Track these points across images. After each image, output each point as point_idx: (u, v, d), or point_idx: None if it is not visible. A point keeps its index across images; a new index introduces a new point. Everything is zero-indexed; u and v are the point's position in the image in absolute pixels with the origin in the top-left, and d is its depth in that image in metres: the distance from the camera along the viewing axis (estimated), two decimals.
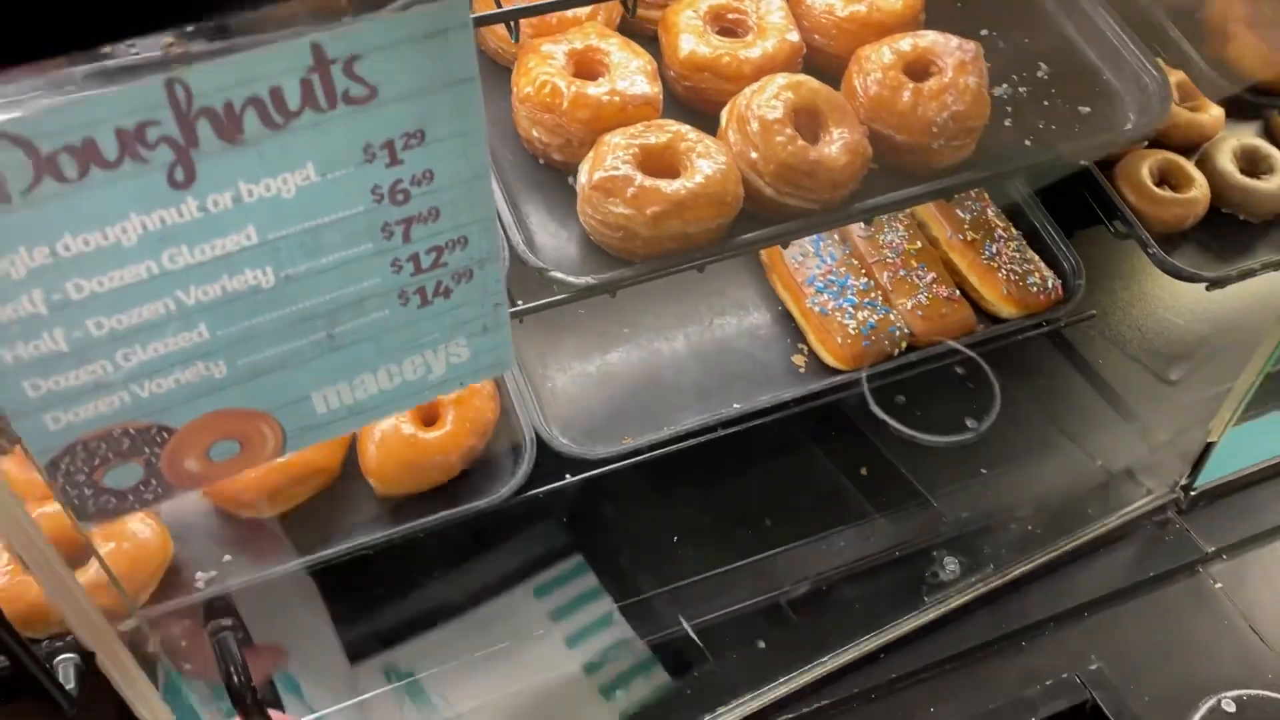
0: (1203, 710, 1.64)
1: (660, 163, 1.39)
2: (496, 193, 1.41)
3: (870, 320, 1.75)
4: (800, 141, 1.40)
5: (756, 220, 1.43)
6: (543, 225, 1.43)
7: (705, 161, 1.37)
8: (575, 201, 1.41)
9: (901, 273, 1.82)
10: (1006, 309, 1.82)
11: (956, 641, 1.70)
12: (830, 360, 1.76)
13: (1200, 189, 1.95)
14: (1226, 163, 1.99)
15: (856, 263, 1.83)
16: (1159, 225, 1.92)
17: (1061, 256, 1.89)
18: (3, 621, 0.88)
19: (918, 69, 1.49)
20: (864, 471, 1.88)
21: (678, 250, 1.38)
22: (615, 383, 1.77)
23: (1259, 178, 1.96)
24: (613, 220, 1.35)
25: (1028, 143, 1.57)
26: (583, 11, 1.51)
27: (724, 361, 1.81)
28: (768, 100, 1.42)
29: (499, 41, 1.54)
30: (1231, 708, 1.70)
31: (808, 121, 1.44)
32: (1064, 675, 1.67)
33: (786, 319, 1.85)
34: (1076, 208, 2.00)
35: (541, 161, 1.48)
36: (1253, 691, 1.73)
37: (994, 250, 1.84)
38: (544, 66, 1.43)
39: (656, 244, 1.36)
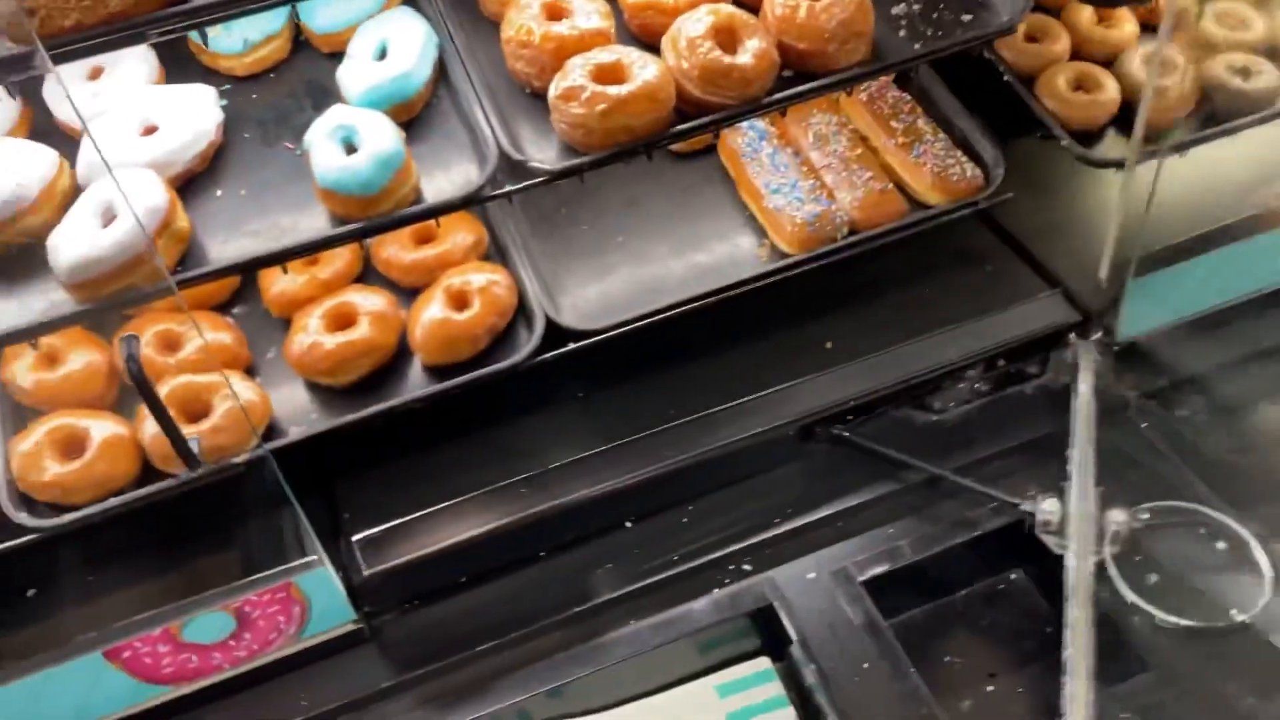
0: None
1: (610, 76, 1.82)
2: (490, 115, 1.85)
3: (815, 210, 2.13)
4: (718, 51, 1.82)
5: (691, 119, 1.85)
6: (530, 139, 1.87)
7: (643, 71, 1.80)
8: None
9: (844, 174, 2.20)
10: (933, 197, 2.19)
11: None
12: (785, 248, 2.16)
13: (1110, 91, 2.29)
14: (1134, 67, 2.32)
15: (806, 169, 2.22)
16: (1077, 125, 2.26)
17: (985, 151, 2.24)
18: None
19: None
20: (829, 345, 2.25)
21: (627, 141, 1.80)
22: (611, 278, 2.19)
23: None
24: (574, 120, 1.78)
25: (916, 46, 1.95)
26: None
27: (701, 257, 2.21)
28: (693, 23, 1.84)
29: (496, 6, 2.00)
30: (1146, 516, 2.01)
31: (726, 39, 1.85)
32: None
33: (751, 222, 2.25)
34: (1006, 118, 2.35)
35: (527, 91, 1.93)
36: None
37: (921, 150, 2.21)
38: (522, 15, 1.88)
39: (609, 135, 1.79)
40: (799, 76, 1.89)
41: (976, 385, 2.24)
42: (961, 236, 2.33)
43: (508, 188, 1.80)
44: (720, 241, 2.22)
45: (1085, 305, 2.24)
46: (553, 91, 1.80)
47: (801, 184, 2.17)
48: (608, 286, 2.18)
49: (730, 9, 1.87)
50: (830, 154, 2.22)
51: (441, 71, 1.80)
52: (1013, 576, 2.11)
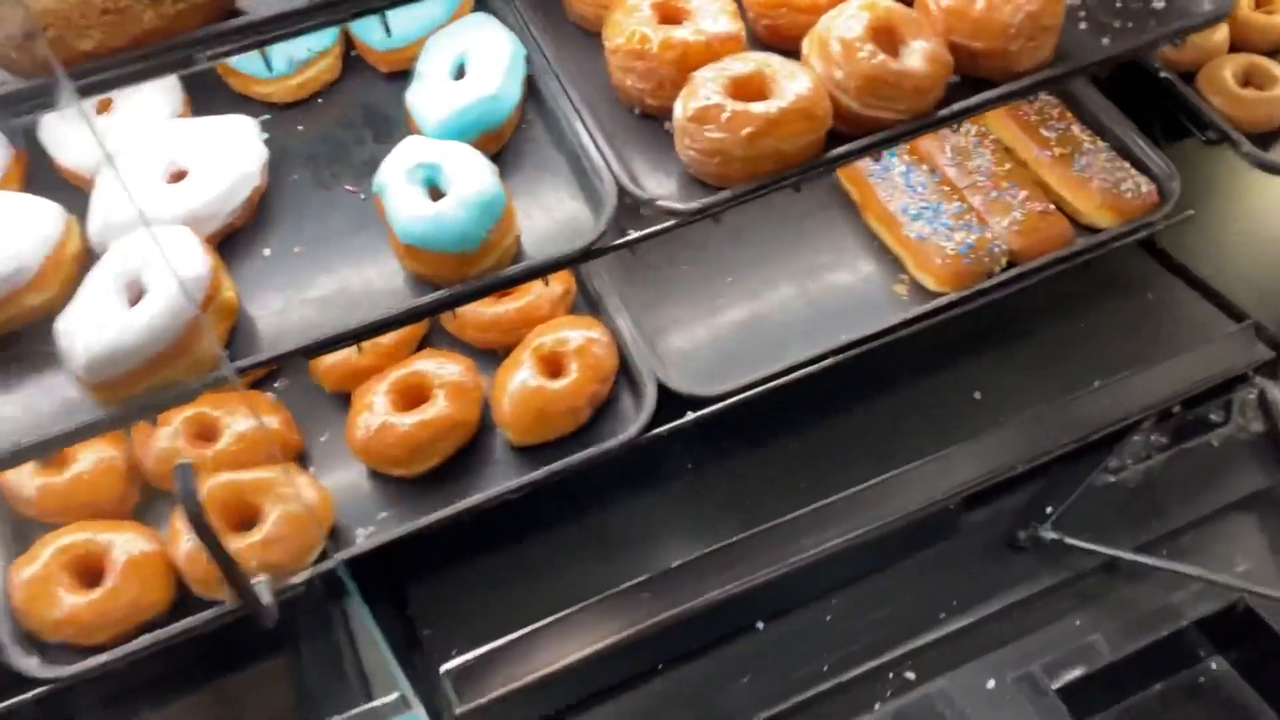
0: None
1: (749, 90, 1.47)
2: (603, 143, 1.50)
3: (968, 240, 1.79)
4: (881, 55, 1.47)
5: (846, 139, 1.50)
6: (645, 170, 1.51)
7: (792, 83, 1.45)
8: (672, 146, 1.50)
9: (994, 194, 1.86)
10: (1103, 217, 1.85)
11: None
12: (931, 284, 1.81)
13: None
14: None
15: (948, 189, 1.88)
16: (1249, 126, 1.93)
17: (1152, 163, 1.91)
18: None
19: None
20: (978, 395, 1.91)
21: (773, 170, 1.45)
22: (724, 327, 1.84)
23: None
24: (710, 146, 1.43)
25: (1105, 41, 1.61)
26: None
27: (827, 299, 1.87)
28: (845, 22, 1.49)
29: (585, 7, 1.64)
30: None
31: (886, 40, 1.50)
32: None
33: (883, 254, 1.90)
34: (1164, 122, 2.02)
35: (637, 112, 1.57)
36: None
37: (1084, 163, 1.87)
38: (631, 18, 1.53)
39: (753, 164, 1.44)
40: (965, 83, 1.54)
41: (1153, 437, 1.90)
42: (1115, 259, 1.98)
43: (632, 234, 1.44)
44: (848, 276, 1.89)
45: (1275, 338, 1.91)
46: (680, 112, 1.45)
47: (945, 207, 1.82)
48: (720, 337, 1.83)
49: (886, 3, 1.52)
50: (974, 171, 1.88)
51: (530, 90, 1.43)
52: (1213, 666, 1.78)
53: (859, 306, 1.83)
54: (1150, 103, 2.01)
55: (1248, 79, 1.98)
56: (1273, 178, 1.90)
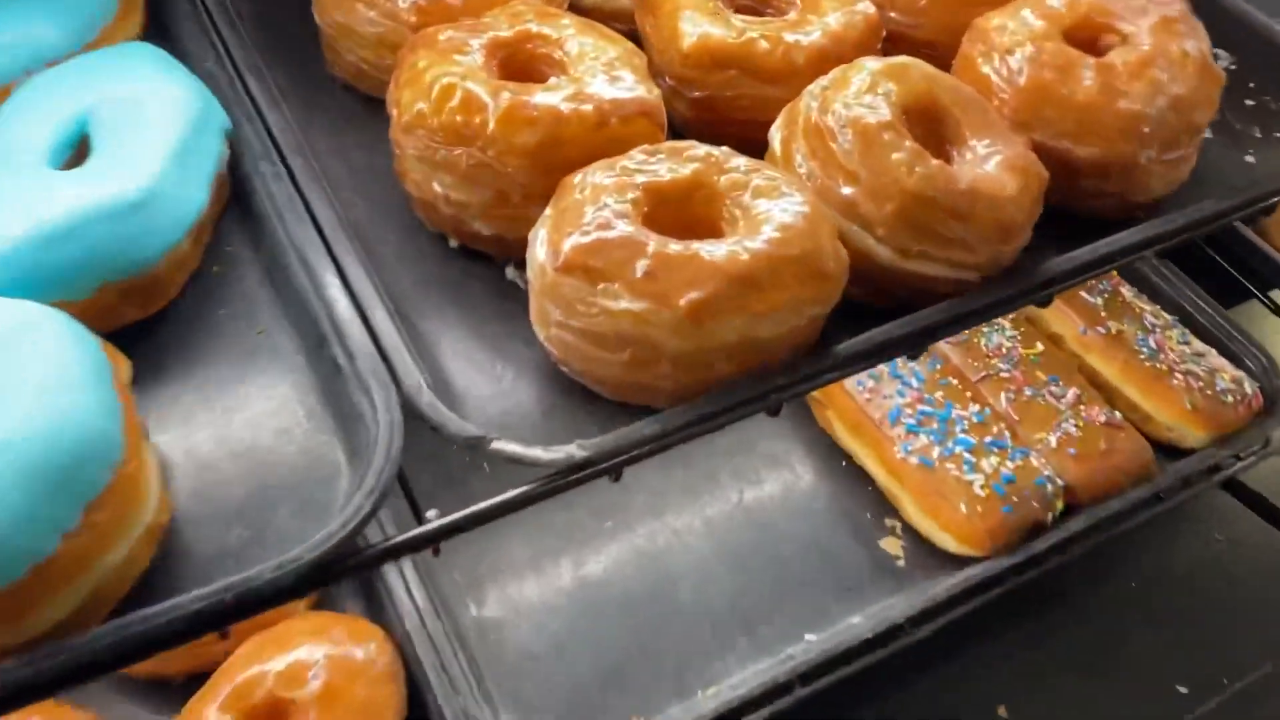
0: None
1: (685, 215, 0.73)
2: (376, 308, 0.72)
3: (1004, 471, 1.08)
4: (934, 160, 0.75)
5: (860, 313, 0.76)
6: (465, 357, 0.74)
7: (774, 203, 0.71)
8: (522, 316, 0.74)
9: (1028, 392, 1.17)
10: (1192, 431, 1.18)
11: None
12: (949, 541, 1.09)
13: None
14: None
15: (956, 383, 1.17)
16: None
17: (1241, 349, 1.27)
18: None
19: (1084, 40, 0.87)
20: (1003, 713, 1.18)
21: (736, 372, 0.70)
22: (599, 621, 1.06)
23: None
24: (611, 326, 0.67)
25: (1248, 158, 0.95)
26: None
27: (772, 563, 1.11)
28: (859, 96, 0.77)
29: (362, 50, 0.87)
30: None
31: (925, 133, 0.80)
32: None
33: (859, 481, 1.17)
34: (1217, 279, 1.40)
35: (454, 243, 0.81)
36: None
37: (1152, 345, 1.21)
38: (445, 65, 0.77)
39: (698, 365, 0.68)
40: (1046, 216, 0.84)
41: None
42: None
43: (433, 519, 0.65)
44: (805, 526, 1.14)
45: None
46: (542, 253, 0.69)
47: (959, 414, 1.12)
48: (595, 638, 1.04)
49: (925, 69, 0.82)
50: (991, 354, 1.19)
51: (235, 197, 0.63)
52: None
53: (826, 578, 1.09)
54: (1197, 251, 1.38)
55: None
56: None
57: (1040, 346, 1.22)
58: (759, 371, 0.71)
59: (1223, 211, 0.86)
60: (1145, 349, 1.22)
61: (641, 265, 0.67)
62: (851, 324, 0.77)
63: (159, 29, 0.91)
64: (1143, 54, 0.84)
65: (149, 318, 0.74)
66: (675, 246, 0.68)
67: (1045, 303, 0.84)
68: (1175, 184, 0.89)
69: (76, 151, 0.75)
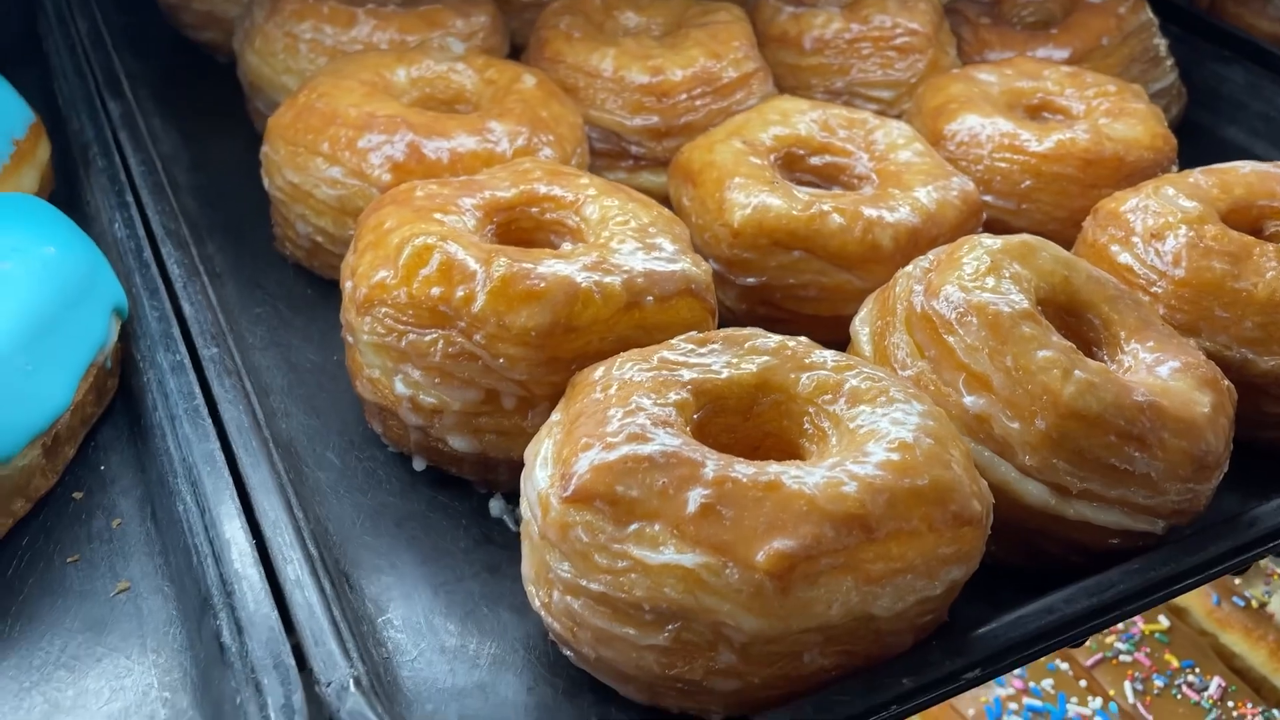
0: None
1: (748, 429, 0.51)
2: (295, 557, 0.48)
3: None
4: (1096, 363, 0.54)
5: (994, 578, 0.52)
6: (423, 628, 0.50)
7: (878, 412, 0.49)
8: (509, 558, 0.50)
9: (1158, 681, 0.90)
10: None
11: None
12: None
13: None
14: None
15: (1066, 667, 0.91)
16: None
17: None
18: None
19: (1242, 226, 0.68)
20: None
21: (836, 670, 0.45)
22: None
23: None
24: (647, 590, 0.43)
25: None
26: (505, 144, 0.67)
27: None
28: (980, 278, 0.57)
29: (318, 218, 0.68)
30: None
31: (1063, 333, 0.59)
32: None
33: None
34: None
35: (420, 466, 0.58)
36: None
37: None
38: (421, 224, 0.56)
39: (778, 656, 0.44)
40: None
41: None
42: None
43: None
44: None
45: None
46: (548, 480, 0.45)
47: (1079, 713, 0.85)
48: None
49: (1059, 254, 0.62)
50: (1116, 639, 0.93)
51: (123, 395, 0.39)
52: None
53: None
54: None
55: None
56: None
57: (1165, 622, 0.97)
58: (873, 664, 0.46)
59: None
60: None
61: (696, 497, 0.44)
62: (983, 598, 0.53)
63: (70, 189, 0.72)
64: None
65: None
66: (744, 470, 0.45)
67: (1245, 567, 0.61)
68: None
69: None
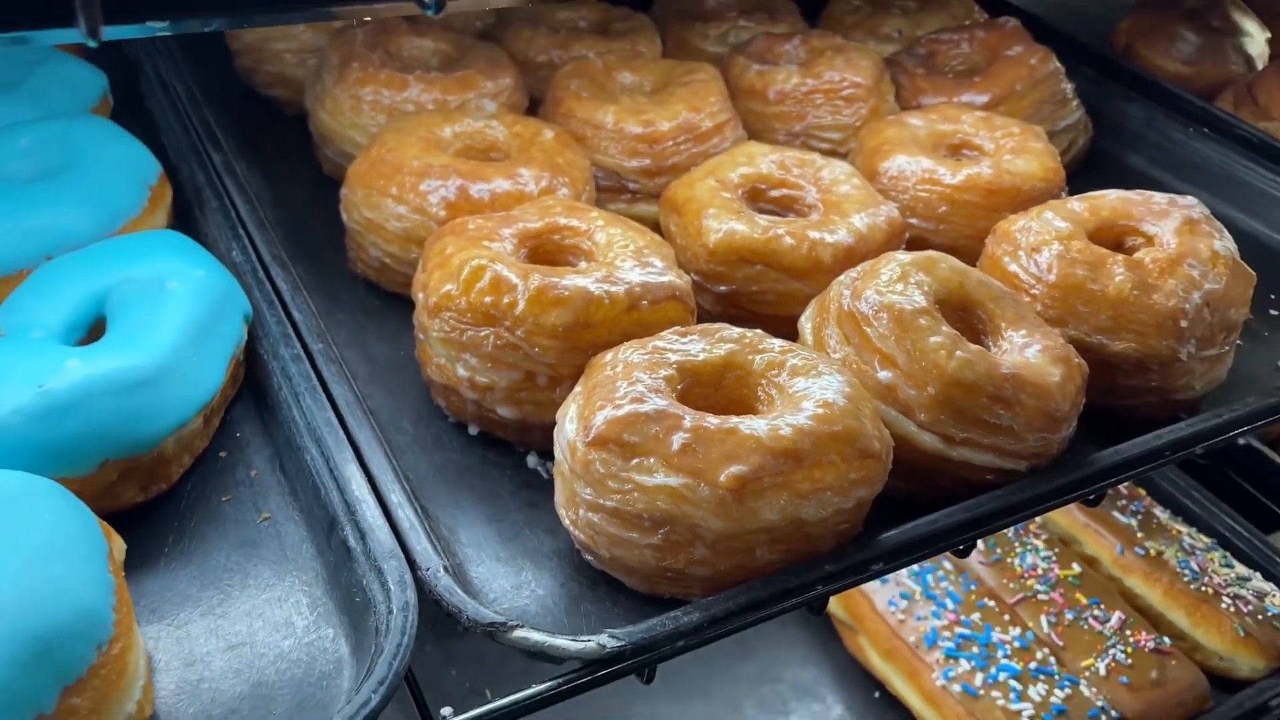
0: None
1: (718, 395, 0.70)
2: (394, 490, 0.67)
3: (1055, 700, 1.00)
4: (973, 346, 0.73)
5: (903, 507, 0.72)
6: (483, 544, 0.69)
7: (811, 381, 0.69)
8: (544, 495, 0.70)
9: (1069, 615, 1.10)
10: (1247, 660, 1.10)
11: None
12: None
13: None
14: None
15: (993, 604, 1.11)
16: None
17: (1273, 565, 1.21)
18: None
19: (1106, 242, 0.88)
20: None
21: (779, 562, 0.65)
22: None
23: None
24: (645, 505, 0.62)
25: None
26: (533, 185, 0.87)
27: None
28: (891, 285, 0.76)
29: (388, 245, 0.87)
30: None
31: (958, 325, 0.78)
32: None
33: (895, 712, 1.08)
34: (1253, 507, 1.36)
35: (475, 430, 0.78)
36: None
37: (1195, 568, 1.15)
38: (475, 250, 0.76)
39: (737, 550, 0.63)
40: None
41: None
42: None
43: (447, 717, 0.58)
44: None
45: None
46: (574, 431, 0.65)
47: (1001, 637, 1.04)
48: None
49: (955, 264, 0.81)
50: (1025, 574, 1.13)
51: (248, 381, 0.60)
52: None
53: None
54: (1225, 482, 1.35)
55: None
56: None
57: (1077, 568, 1.16)
58: (804, 559, 0.66)
59: (1275, 406, 0.83)
60: (1188, 571, 1.16)
61: (679, 439, 0.63)
62: (895, 520, 0.72)
63: (186, 228, 0.91)
64: (1171, 252, 0.84)
65: (148, 499, 0.70)
66: (713, 421, 0.65)
67: (1097, 500, 0.80)
68: (1214, 383, 0.87)
69: (93, 330, 0.73)
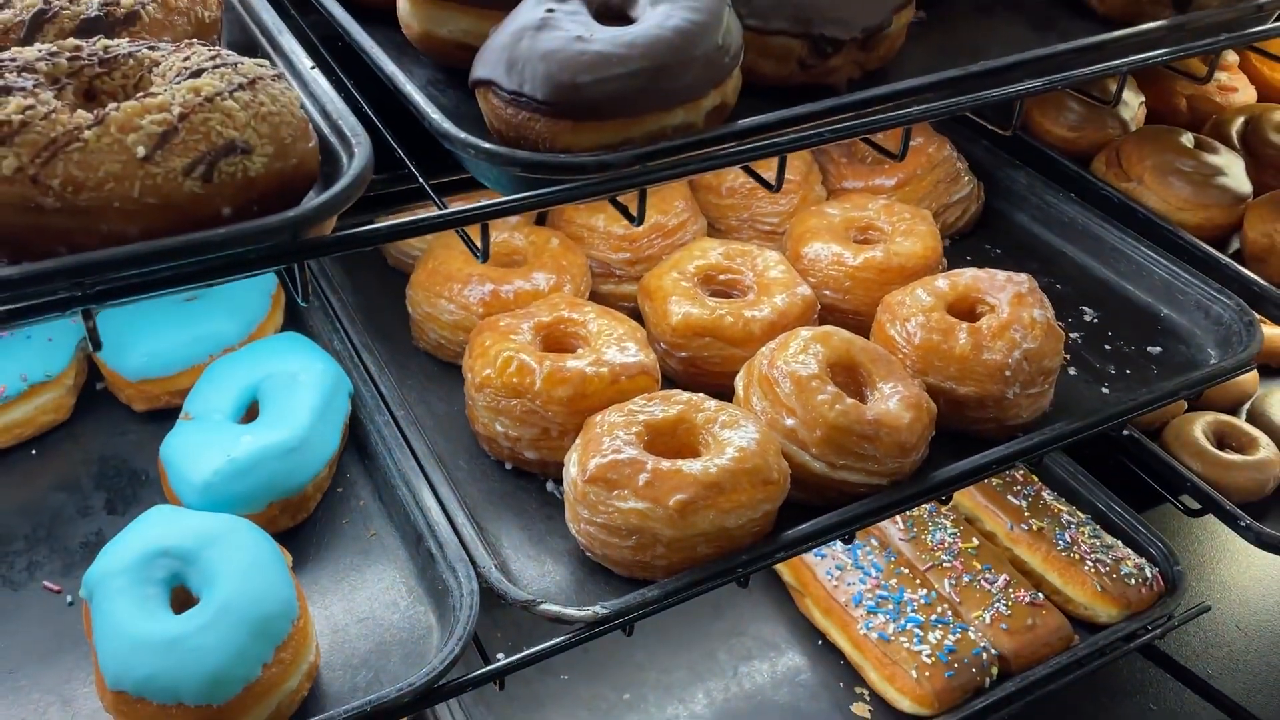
0: None
1: (673, 442, 1.04)
2: (458, 513, 1.02)
3: (947, 642, 1.34)
4: (849, 399, 1.07)
5: (805, 511, 1.06)
6: (518, 547, 1.04)
7: (734, 432, 1.02)
8: (560, 517, 1.04)
9: (966, 578, 1.44)
10: (1104, 609, 1.43)
11: None
12: (904, 703, 1.33)
13: (1268, 448, 1.65)
14: None
15: (907, 571, 1.44)
16: (1236, 495, 1.60)
17: (1145, 540, 1.54)
18: None
19: (962, 310, 1.21)
20: None
21: (710, 556, 0.99)
22: None
23: None
24: (622, 521, 0.97)
25: (1104, 390, 1.27)
26: (544, 284, 1.21)
27: None
28: (795, 355, 1.10)
29: (442, 331, 1.22)
30: None
31: (846, 380, 1.12)
32: None
33: (832, 656, 1.42)
34: (1128, 486, 1.68)
35: (509, 466, 1.12)
36: None
37: (1068, 539, 1.49)
38: (505, 343, 1.10)
39: (684, 548, 0.98)
40: (942, 438, 1.15)
41: None
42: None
43: (501, 658, 0.93)
44: (789, 689, 1.38)
45: None
46: (573, 470, 0.99)
47: (911, 596, 1.38)
48: None
49: (843, 334, 1.15)
50: (935, 548, 1.46)
51: (352, 439, 0.96)
52: None
53: None
54: (1111, 460, 1.66)
55: (1221, 440, 1.67)
56: (1272, 556, 1.54)
57: (976, 541, 1.50)
58: (729, 553, 1.00)
59: (1070, 431, 1.16)
60: (1062, 542, 1.49)
61: (643, 477, 0.97)
62: (796, 521, 1.06)
63: (293, 321, 1.26)
64: (1003, 320, 1.17)
65: (296, 525, 1.05)
66: (666, 464, 0.98)
67: (946, 500, 1.14)
68: (1038, 412, 1.19)
69: (249, 411, 1.07)
